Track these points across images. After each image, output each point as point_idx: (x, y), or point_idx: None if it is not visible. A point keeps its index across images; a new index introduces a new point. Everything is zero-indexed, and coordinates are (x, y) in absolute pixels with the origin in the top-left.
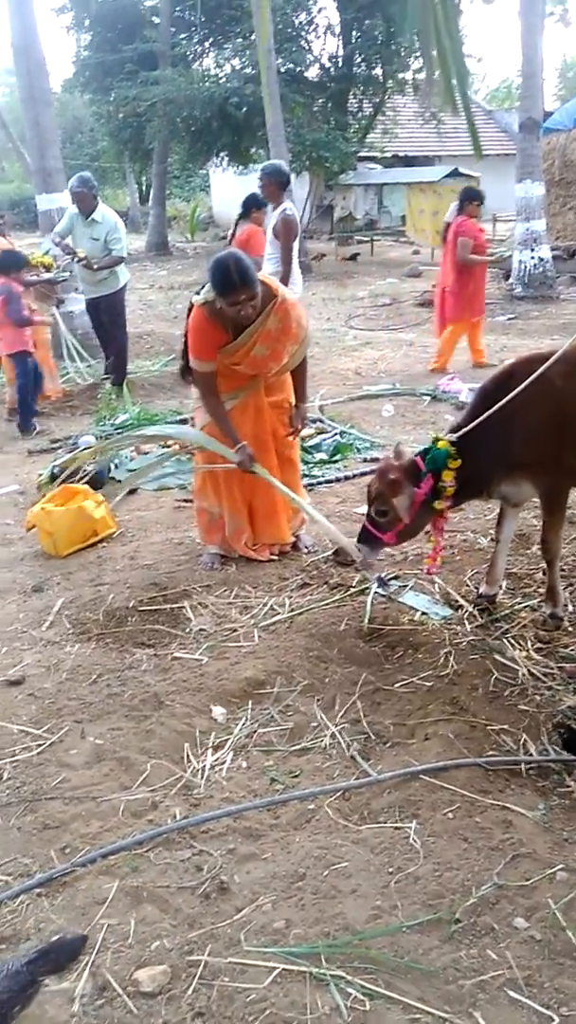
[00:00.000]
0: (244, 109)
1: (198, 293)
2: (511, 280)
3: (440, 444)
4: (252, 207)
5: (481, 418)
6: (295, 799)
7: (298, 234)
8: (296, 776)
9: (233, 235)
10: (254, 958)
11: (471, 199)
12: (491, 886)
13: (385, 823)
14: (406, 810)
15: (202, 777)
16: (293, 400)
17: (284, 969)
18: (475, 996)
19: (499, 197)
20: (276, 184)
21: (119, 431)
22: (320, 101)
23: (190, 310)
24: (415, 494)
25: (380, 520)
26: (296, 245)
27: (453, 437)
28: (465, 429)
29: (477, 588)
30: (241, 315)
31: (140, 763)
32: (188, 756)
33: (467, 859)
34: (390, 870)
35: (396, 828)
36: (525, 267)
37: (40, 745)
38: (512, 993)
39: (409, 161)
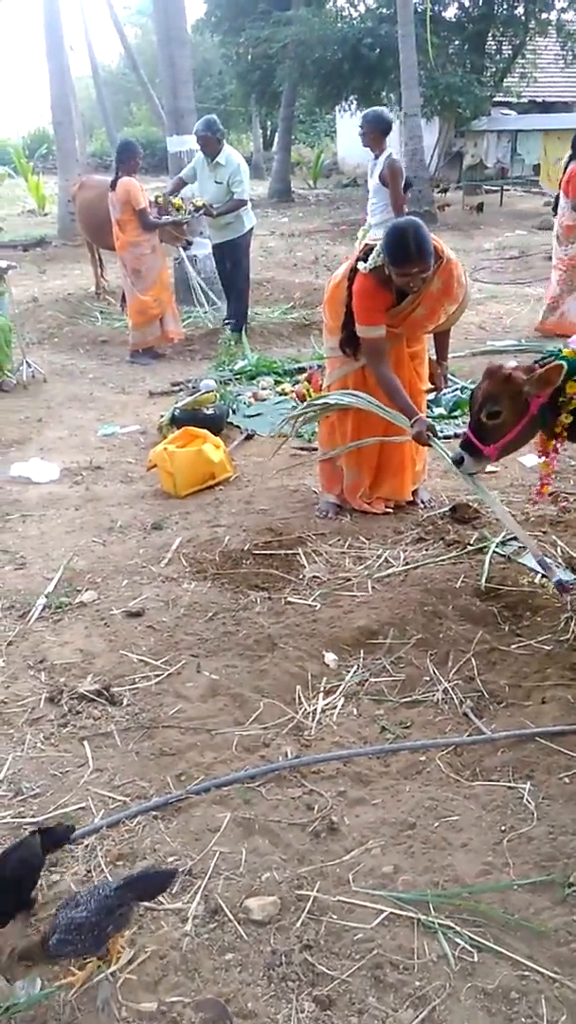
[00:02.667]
0: (377, 51)
1: (364, 260)
2: None
3: (567, 352)
4: None
5: None
6: (406, 749)
7: (403, 178)
8: (407, 727)
9: None
10: (362, 899)
11: None
12: None
13: (498, 781)
14: (520, 771)
15: (313, 720)
16: (433, 355)
17: (392, 913)
18: None
19: None
20: (378, 131)
21: (237, 376)
22: (457, 42)
23: (351, 279)
24: (532, 400)
25: (489, 424)
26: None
27: None
28: None
29: None
30: (410, 286)
31: (253, 701)
32: (300, 698)
33: None
34: (502, 828)
35: (509, 788)
36: None
37: (158, 675)
38: None
39: (547, 107)
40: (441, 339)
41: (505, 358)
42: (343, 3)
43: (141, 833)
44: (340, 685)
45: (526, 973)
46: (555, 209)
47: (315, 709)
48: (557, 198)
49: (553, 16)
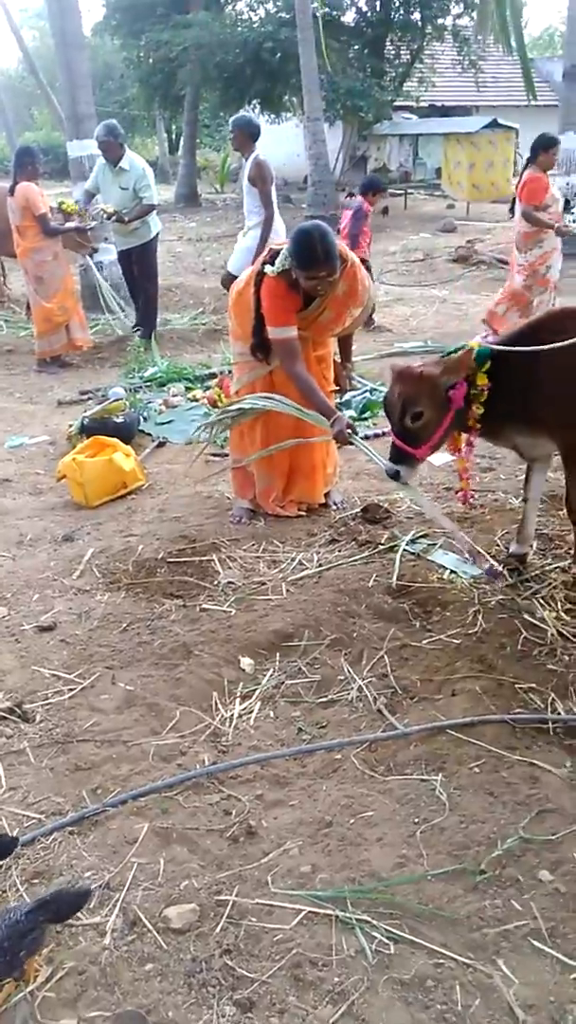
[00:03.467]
0: (278, 55)
1: (270, 263)
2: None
3: (472, 343)
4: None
5: (523, 349)
6: (322, 749)
7: (273, 179)
8: (323, 727)
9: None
10: (281, 900)
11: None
12: (516, 839)
13: (411, 775)
14: (432, 763)
15: (230, 725)
16: (338, 357)
17: (310, 912)
18: (498, 944)
19: None
20: (246, 135)
21: (147, 384)
22: (356, 47)
23: (258, 283)
24: (452, 392)
25: (414, 426)
26: (274, 191)
27: (493, 339)
28: (503, 348)
29: (507, 547)
30: (317, 289)
31: (169, 710)
32: (216, 704)
33: (493, 812)
34: (415, 820)
35: (422, 780)
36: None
37: (72, 689)
38: (535, 943)
39: (446, 111)
40: (345, 342)
41: (413, 360)
42: (242, 7)
43: (57, 850)
44: (256, 689)
45: (441, 961)
46: (511, 213)
47: (232, 715)
48: (513, 202)
49: (449, 22)
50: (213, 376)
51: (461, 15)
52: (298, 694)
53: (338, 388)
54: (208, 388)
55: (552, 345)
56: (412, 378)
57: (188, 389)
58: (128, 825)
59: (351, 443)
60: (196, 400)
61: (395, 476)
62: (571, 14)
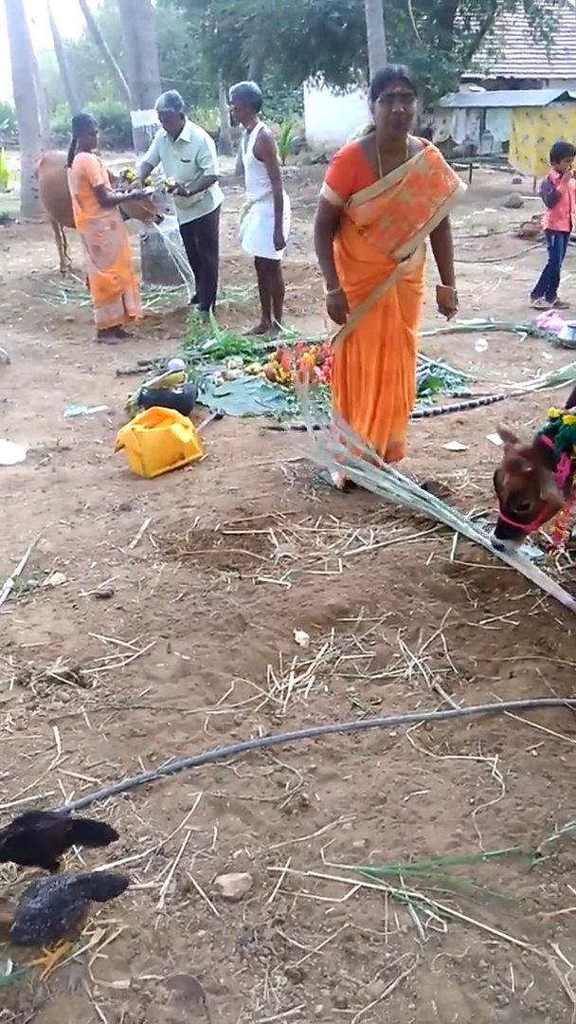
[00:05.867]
0: (345, 25)
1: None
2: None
3: (567, 419)
4: None
5: None
6: (377, 725)
7: (277, 151)
8: (377, 704)
9: None
10: (333, 873)
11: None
12: (574, 823)
13: (467, 755)
14: (488, 744)
15: (284, 698)
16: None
17: (363, 886)
18: (554, 928)
19: None
20: (249, 105)
21: (206, 356)
22: (424, 18)
23: None
24: (556, 478)
25: (522, 513)
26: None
27: None
28: None
29: (570, 530)
30: (394, 112)
31: (224, 680)
32: (271, 677)
33: (550, 796)
34: (471, 800)
35: (478, 761)
36: None
37: (128, 657)
38: None
39: (515, 84)
40: (442, 259)
41: (475, 337)
42: None
43: (112, 814)
44: (311, 663)
45: (495, 942)
46: None
47: (286, 687)
48: None
49: None
50: (271, 350)
51: None
52: (353, 670)
53: (447, 310)
54: (266, 362)
55: None
56: (521, 473)
57: (246, 362)
58: (182, 792)
59: (343, 320)
60: (254, 373)
61: (500, 548)
62: None
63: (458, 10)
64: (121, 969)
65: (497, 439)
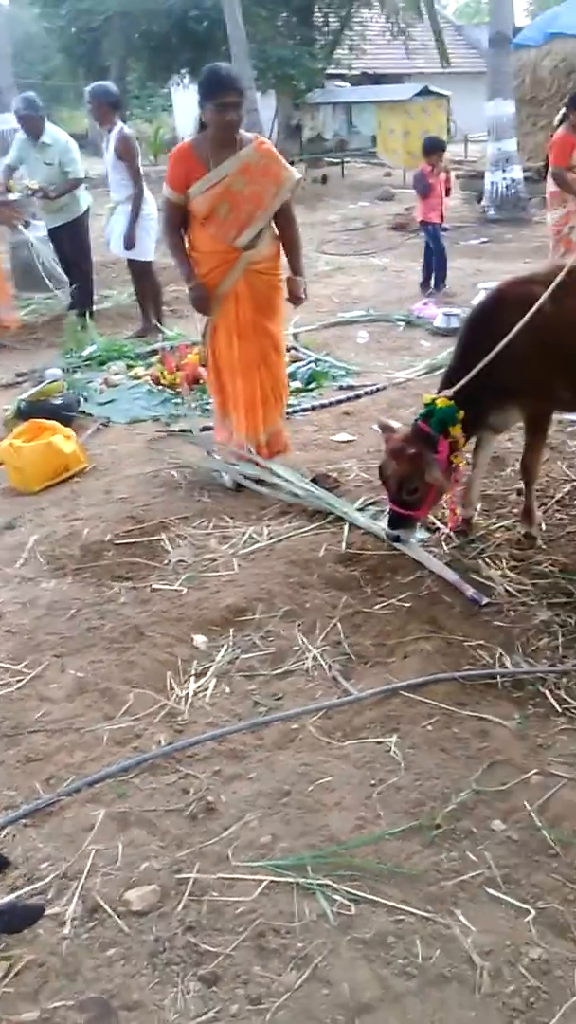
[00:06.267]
0: (205, 23)
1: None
2: (483, 202)
3: (440, 402)
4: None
5: (480, 364)
6: (278, 720)
7: (139, 153)
8: (279, 699)
9: None
10: (242, 872)
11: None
12: (469, 792)
13: (367, 738)
14: (387, 725)
15: (185, 704)
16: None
17: (272, 881)
18: (456, 896)
19: (470, 116)
20: (106, 104)
21: (86, 363)
22: (283, 15)
23: None
24: (438, 461)
25: (411, 499)
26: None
27: (449, 392)
28: (465, 379)
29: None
30: (227, 120)
31: (122, 693)
32: (171, 684)
33: (446, 768)
34: (372, 782)
35: (377, 743)
36: (497, 189)
37: (20, 680)
38: (491, 891)
39: (378, 79)
40: (290, 252)
41: (356, 329)
42: None
43: (12, 843)
44: (211, 666)
45: (401, 917)
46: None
47: (187, 693)
48: (546, 162)
49: None
50: (155, 352)
51: None
52: (253, 668)
53: (295, 299)
54: (150, 365)
55: (496, 349)
56: (405, 459)
57: (129, 367)
58: (84, 812)
59: (207, 312)
60: (138, 378)
61: (396, 540)
62: None
63: (316, 7)
64: (29, 1000)
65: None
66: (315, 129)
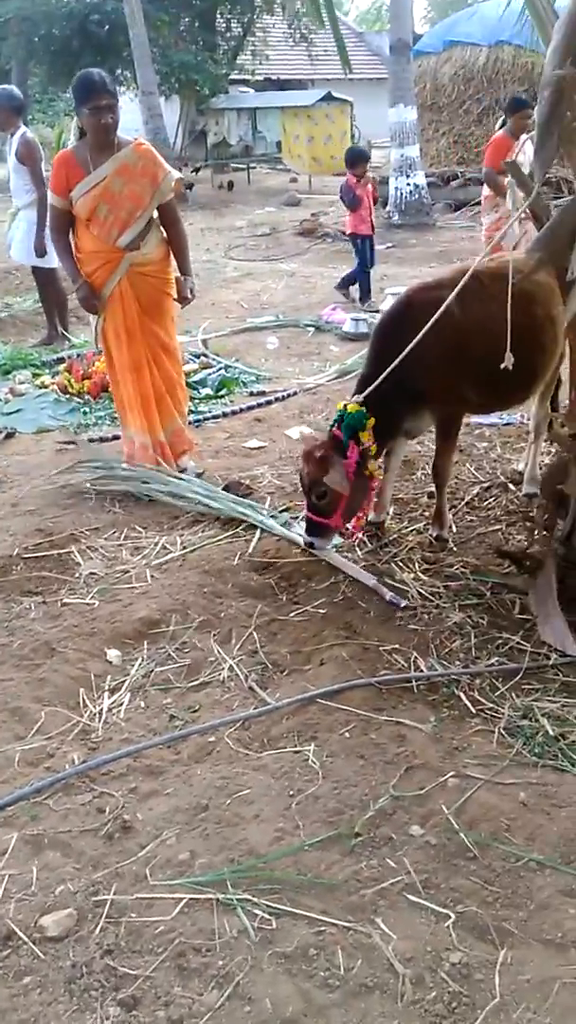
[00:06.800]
0: (107, 28)
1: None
2: (388, 208)
3: (350, 408)
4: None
5: (388, 368)
6: (195, 733)
7: (42, 157)
8: (195, 711)
9: None
10: (160, 891)
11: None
12: (387, 798)
13: (284, 748)
14: (304, 734)
15: (100, 721)
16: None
17: (191, 899)
18: (376, 904)
19: (372, 122)
20: (9, 109)
21: None
22: (186, 20)
23: None
24: (346, 465)
25: (321, 504)
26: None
27: (360, 397)
28: (374, 384)
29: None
30: (102, 123)
31: (34, 712)
32: (84, 701)
33: (364, 775)
34: (291, 793)
35: (296, 752)
36: (401, 194)
37: None
38: (411, 897)
39: (281, 85)
40: (176, 251)
41: (265, 335)
42: None
43: None
44: (125, 681)
45: (322, 928)
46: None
47: (100, 710)
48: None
49: None
50: (61, 361)
51: None
52: (169, 680)
53: (182, 299)
54: (57, 373)
55: (404, 352)
56: (313, 461)
57: (35, 375)
58: None
59: (95, 311)
60: (45, 387)
61: (310, 546)
62: None
63: (219, 13)
64: None
65: (294, 433)
66: (220, 134)
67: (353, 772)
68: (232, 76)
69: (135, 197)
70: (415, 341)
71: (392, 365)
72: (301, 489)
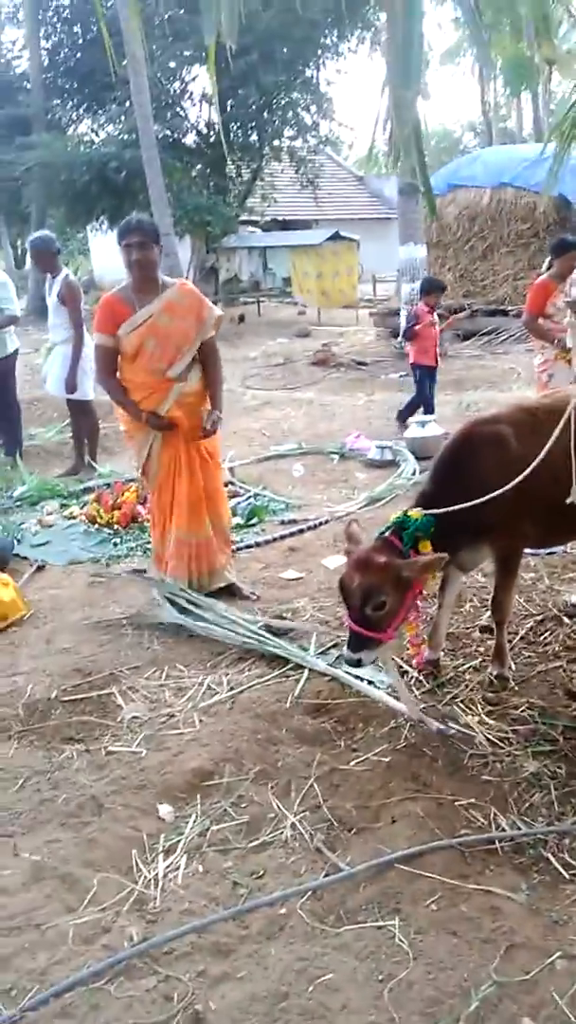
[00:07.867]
0: (123, 173)
1: None
2: (399, 339)
3: (414, 514)
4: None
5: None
6: (263, 905)
7: (82, 298)
8: (260, 877)
9: None
10: None
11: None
12: (490, 985)
13: (365, 922)
14: (386, 905)
15: (156, 888)
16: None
17: None
18: None
19: (377, 259)
20: (50, 254)
21: (18, 504)
22: (198, 167)
23: None
24: (415, 581)
25: (376, 615)
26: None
27: (427, 512)
28: (447, 508)
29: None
30: (134, 259)
31: (85, 878)
32: (137, 864)
33: (460, 956)
34: (380, 977)
35: (378, 927)
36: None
37: None
38: None
39: (287, 225)
40: (209, 383)
41: (290, 462)
42: (85, 129)
43: None
44: (180, 840)
45: None
46: None
47: (156, 875)
48: None
49: (284, 143)
50: (89, 491)
51: (295, 137)
52: (227, 840)
53: (202, 432)
54: (85, 504)
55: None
56: (375, 568)
57: (64, 506)
58: None
59: (169, 428)
60: (73, 517)
61: (357, 664)
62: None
63: (229, 160)
64: None
65: (331, 563)
66: (231, 271)
67: (447, 952)
68: (242, 217)
69: (183, 333)
70: (477, 478)
71: (462, 505)
72: (343, 599)
